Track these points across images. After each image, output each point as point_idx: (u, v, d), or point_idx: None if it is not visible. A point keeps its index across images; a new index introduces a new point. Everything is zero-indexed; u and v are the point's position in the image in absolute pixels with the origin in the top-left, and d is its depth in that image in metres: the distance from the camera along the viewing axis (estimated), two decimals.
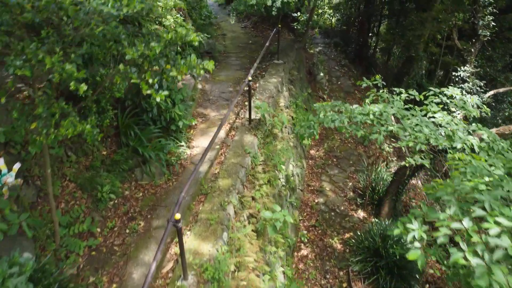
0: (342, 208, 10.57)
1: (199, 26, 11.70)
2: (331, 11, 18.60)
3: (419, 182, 12.28)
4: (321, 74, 15.23)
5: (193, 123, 8.53)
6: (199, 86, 10.52)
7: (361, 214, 10.43)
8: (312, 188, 11.29)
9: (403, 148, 11.37)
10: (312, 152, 12.87)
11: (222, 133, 8.40)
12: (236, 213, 6.43)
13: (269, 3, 10.23)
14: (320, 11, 16.82)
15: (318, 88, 14.96)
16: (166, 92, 4.36)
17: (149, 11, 4.85)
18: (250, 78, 8.00)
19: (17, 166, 4.63)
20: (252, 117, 8.51)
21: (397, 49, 17.28)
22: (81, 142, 6.47)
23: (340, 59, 17.29)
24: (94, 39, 4.63)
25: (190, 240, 5.66)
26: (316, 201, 10.74)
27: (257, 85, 10.54)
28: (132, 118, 7.14)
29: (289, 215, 6.45)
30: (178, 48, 8.71)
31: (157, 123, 7.28)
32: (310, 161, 12.38)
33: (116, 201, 6.41)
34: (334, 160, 12.55)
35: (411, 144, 6.12)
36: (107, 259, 5.54)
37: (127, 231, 5.99)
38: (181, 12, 11.20)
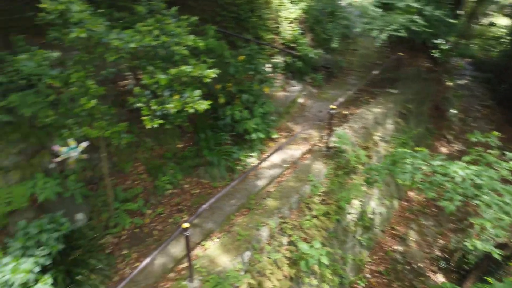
0: (421, 265, 9.73)
1: (320, 41, 11.93)
2: (493, 41, 16.57)
3: None
4: (453, 111, 13.88)
5: (274, 137, 8.94)
6: (300, 100, 10.84)
7: (439, 279, 9.46)
8: (394, 232, 10.61)
9: None
10: (411, 194, 11.98)
11: (297, 153, 8.62)
12: (271, 236, 6.68)
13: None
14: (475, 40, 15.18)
15: (445, 126, 13.68)
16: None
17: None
18: (333, 106, 8.03)
19: (84, 143, 5.80)
20: (333, 144, 8.50)
21: None
22: (159, 132, 7.52)
23: (486, 98, 15.37)
24: None
25: (214, 248, 6.18)
26: (393, 248, 10.10)
27: (358, 111, 10.34)
28: (209, 121, 7.93)
29: (326, 256, 6.45)
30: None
31: (230, 131, 7.92)
32: (404, 202, 11.57)
33: (173, 191, 7.30)
34: (434, 210, 11.47)
35: (488, 225, 5.46)
36: (144, 239, 6.45)
37: (170, 220, 6.80)
38: (302, 25, 11.63)
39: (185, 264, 5.94)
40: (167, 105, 4.13)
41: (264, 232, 6.52)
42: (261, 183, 7.68)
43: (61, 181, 5.98)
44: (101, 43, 4.12)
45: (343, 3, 12.89)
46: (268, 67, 10.33)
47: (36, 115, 5.09)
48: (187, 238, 5.15)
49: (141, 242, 6.40)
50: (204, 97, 4.57)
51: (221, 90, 7.82)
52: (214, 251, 6.12)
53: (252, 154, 8.26)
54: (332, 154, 8.43)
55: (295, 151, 8.67)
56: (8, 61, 5.18)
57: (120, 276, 5.78)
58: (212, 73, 4.29)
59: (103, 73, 5.14)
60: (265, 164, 8.26)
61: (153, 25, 4.35)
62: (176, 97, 4.15)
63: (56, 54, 4.96)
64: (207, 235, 6.50)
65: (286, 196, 7.23)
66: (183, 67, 4.13)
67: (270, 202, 7.10)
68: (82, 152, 5.68)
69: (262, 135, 8.22)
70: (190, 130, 8.13)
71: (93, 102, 4.45)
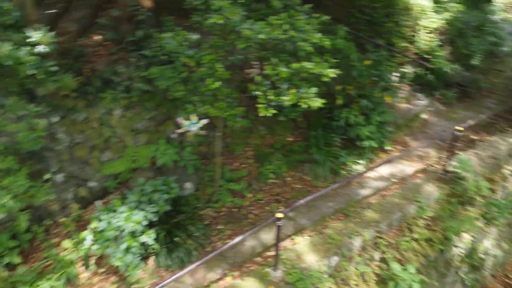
0: None
1: (460, 55, 10.96)
2: None
3: None
4: None
5: (387, 148, 8.59)
6: (424, 116, 10.18)
7: None
8: (508, 281, 9.46)
9: None
10: None
11: (409, 170, 8.18)
12: (363, 248, 6.51)
13: None
14: None
15: None
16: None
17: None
18: (461, 128, 7.43)
19: (204, 121, 6.32)
20: (452, 169, 7.85)
21: None
22: (273, 123, 7.81)
23: None
24: None
25: (303, 245, 6.27)
26: None
27: (490, 138, 9.35)
28: (323, 120, 7.96)
29: (419, 283, 6.12)
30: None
31: (341, 133, 7.85)
32: None
33: (275, 181, 7.55)
34: None
35: None
36: (240, 220, 6.80)
37: (267, 208, 7.06)
38: (441, 37, 10.85)
39: (272, 253, 6.12)
40: (283, 97, 4.30)
41: (357, 242, 6.37)
42: (364, 192, 7.48)
43: (178, 150, 6.64)
44: (234, 31, 4.45)
45: (495, 17, 11.62)
46: (395, 76, 9.90)
47: (169, 88, 5.72)
48: (278, 227, 5.31)
49: (237, 222, 6.77)
50: (322, 96, 4.64)
51: (341, 92, 7.77)
52: (302, 247, 6.19)
53: (360, 161, 8.07)
54: (448, 178, 7.78)
55: (407, 167, 8.22)
56: (155, 38, 5.90)
57: (212, 247, 6.23)
58: (332, 72, 4.33)
59: (231, 59, 5.54)
60: (371, 174, 8.00)
61: (285, 19, 4.54)
62: (293, 91, 4.30)
63: (195, 36, 5.50)
64: (299, 230, 6.60)
65: (388, 211, 6.93)
66: (305, 63, 4.24)
67: (369, 214, 6.88)
68: (201, 128, 6.20)
69: (374, 144, 7.96)
70: (303, 126, 8.26)
71: (218, 84, 4.84)
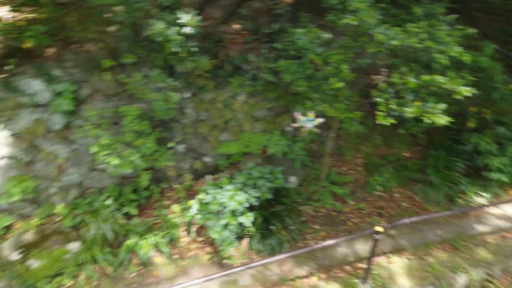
0: None
1: None
2: None
3: None
4: None
5: None
6: None
7: None
8: None
9: None
10: None
11: None
12: (468, 286, 5.94)
13: None
14: None
15: None
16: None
17: None
18: None
19: (320, 119, 6.35)
20: None
21: None
22: (391, 134, 7.50)
23: None
24: None
25: (398, 265, 5.99)
26: None
27: None
28: (448, 141, 7.38)
29: None
30: None
31: (466, 159, 7.20)
32: None
33: (381, 194, 7.27)
34: None
35: None
36: (337, 224, 6.73)
37: (368, 219, 6.85)
38: None
39: (364, 265, 5.95)
40: (406, 108, 4.11)
41: (461, 279, 5.84)
42: (480, 228, 6.77)
43: (290, 143, 6.81)
44: (366, 34, 4.39)
45: None
46: None
47: (292, 82, 5.88)
48: (375, 241, 5.15)
49: (333, 225, 6.71)
50: (452, 115, 4.31)
51: (475, 114, 7.08)
52: (397, 268, 5.90)
53: (483, 193, 7.29)
54: None
55: None
56: (289, 32, 6.09)
57: (304, 243, 6.29)
58: (466, 90, 3.99)
59: (359, 61, 5.46)
60: (495, 210, 7.19)
61: (423, 28, 4.31)
62: (418, 103, 4.08)
63: (327, 35, 5.54)
64: (397, 250, 6.28)
65: (505, 255, 6.19)
66: (437, 77, 3.98)
67: (482, 252, 6.23)
68: (316, 127, 6.26)
69: (505, 179, 7.10)
70: (422, 143, 7.77)
71: (341, 85, 4.83)
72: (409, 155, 7.75)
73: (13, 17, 6.35)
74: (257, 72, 6.99)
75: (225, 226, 5.68)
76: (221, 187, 6.04)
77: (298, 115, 6.54)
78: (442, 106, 4.03)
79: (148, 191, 6.68)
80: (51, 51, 6.27)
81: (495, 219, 7.00)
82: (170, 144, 6.65)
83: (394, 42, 4.07)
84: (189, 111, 6.95)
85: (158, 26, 5.00)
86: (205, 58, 6.39)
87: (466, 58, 4.12)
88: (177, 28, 5.30)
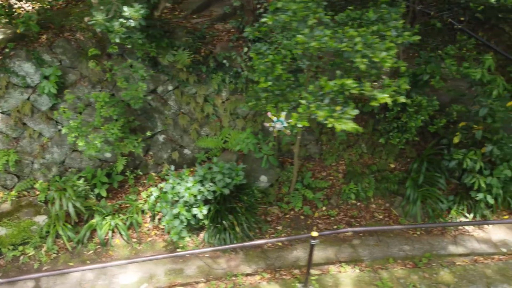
0: None
1: None
2: None
3: None
4: None
5: None
6: None
7: None
8: None
9: None
10: None
11: None
12: None
13: None
14: None
15: None
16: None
17: None
18: None
19: (289, 120, 6.44)
20: None
21: None
22: (378, 144, 7.41)
23: None
24: None
25: (348, 275, 5.99)
26: None
27: None
28: (435, 156, 7.18)
29: None
30: None
31: (451, 176, 6.96)
32: None
33: (356, 204, 7.21)
34: None
35: None
36: (302, 228, 6.81)
37: (335, 227, 6.83)
38: None
39: (315, 271, 6.01)
40: (318, 111, 4.11)
41: None
42: (453, 249, 6.52)
43: (260, 142, 6.98)
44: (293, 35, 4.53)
45: None
46: None
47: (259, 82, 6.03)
48: (312, 246, 5.20)
49: (298, 229, 6.81)
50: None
51: (462, 129, 6.80)
52: (345, 278, 5.91)
53: (468, 214, 6.98)
54: None
55: None
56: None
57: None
58: (385, 98, 3.94)
59: (292, 63, 5.55)
60: (478, 233, 6.87)
61: (362, 32, 4.29)
62: (338, 108, 4.07)
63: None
64: (354, 260, 6.26)
65: (469, 281, 5.93)
66: (348, 81, 3.97)
67: (445, 275, 6.02)
68: (292, 128, 6.31)
69: (491, 200, 6.76)
70: (411, 156, 7.56)
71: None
72: (395, 166, 7.58)
73: (19, 6, 7.08)
74: (239, 70, 7.22)
75: (176, 216, 5.99)
76: (182, 178, 6.36)
77: (270, 115, 6.69)
78: (354, 111, 4.01)
79: (124, 176, 7.16)
80: (44, 37, 6.94)
81: (475, 242, 6.70)
82: (147, 133, 7.07)
83: (313, 44, 4.11)
84: (171, 103, 7.35)
85: (98, 17, 5.24)
86: (186, 53, 6.74)
87: (388, 63, 4.05)
88: (122, 20, 5.38)
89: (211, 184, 6.17)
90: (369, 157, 7.60)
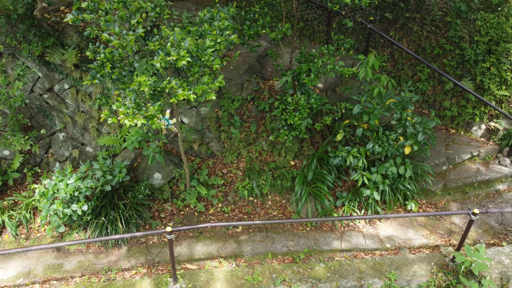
0: None
1: None
2: None
3: None
4: None
5: (410, 207, 7.41)
6: (500, 187, 8.29)
7: None
8: None
9: None
10: None
11: (416, 241, 6.95)
12: None
13: None
14: None
15: None
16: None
17: None
18: None
19: (173, 119, 6.64)
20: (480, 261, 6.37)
21: None
22: (279, 142, 7.63)
23: None
24: None
25: (223, 270, 6.16)
26: None
27: None
28: (323, 153, 7.39)
29: None
30: None
31: (339, 172, 7.18)
32: None
33: (252, 200, 7.43)
34: None
35: None
36: (193, 223, 6.98)
37: (223, 218, 7.02)
38: None
39: (192, 266, 6.20)
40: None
41: None
42: (337, 244, 6.75)
43: (146, 139, 7.20)
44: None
45: None
46: (476, 130, 8.36)
47: None
48: (170, 241, 5.38)
49: (189, 222, 6.99)
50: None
51: (346, 127, 7.04)
52: (218, 273, 6.08)
53: (358, 211, 7.21)
54: (451, 269, 6.34)
55: (418, 237, 7.01)
56: None
57: (147, 238, 6.62)
58: (186, 95, 4.17)
59: None
60: (366, 229, 7.10)
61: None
62: (154, 108, 4.28)
63: None
64: (234, 255, 6.47)
65: (341, 275, 6.13)
66: (143, 78, 4.24)
67: (320, 269, 6.22)
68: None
69: (377, 197, 7.01)
70: (310, 153, 7.78)
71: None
72: (294, 163, 7.80)
73: None
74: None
75: (54, 211, 6.15)
76: (65, 174, 6.52)
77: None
78: (156, 107, 4.26)
79: (21, 174, 7.29)
80: None
81: (361, 237, 6.93)
82: (42, 132, 7.21)
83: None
84: (68, 102, 7.50)
85: None
86: (73, 52, 6.89)
87: (216, 64, 4.26)
88: None
89: (89, 180, 6.33)
90: (269, 155, 7.80)
